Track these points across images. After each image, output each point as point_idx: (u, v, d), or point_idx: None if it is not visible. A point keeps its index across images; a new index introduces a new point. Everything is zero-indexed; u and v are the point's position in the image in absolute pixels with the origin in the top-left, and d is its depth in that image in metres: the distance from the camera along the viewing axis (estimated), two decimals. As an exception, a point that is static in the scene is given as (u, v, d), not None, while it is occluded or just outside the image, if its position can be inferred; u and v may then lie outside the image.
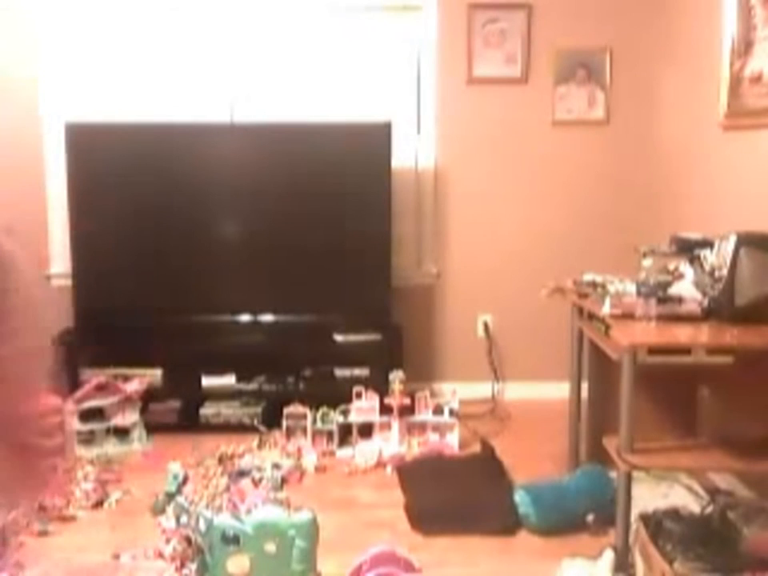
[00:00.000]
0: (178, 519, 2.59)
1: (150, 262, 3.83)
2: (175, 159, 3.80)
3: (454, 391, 3.67)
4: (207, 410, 3.74)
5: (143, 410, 3.54)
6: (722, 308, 2.38)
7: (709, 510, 2.42)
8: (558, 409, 3.34)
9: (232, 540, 2.24)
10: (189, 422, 3.69)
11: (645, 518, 2.37)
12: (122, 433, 3.45)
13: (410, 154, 4.16)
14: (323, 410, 3.53)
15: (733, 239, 2.36)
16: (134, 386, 3.47)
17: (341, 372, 3.84)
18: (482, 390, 4.16)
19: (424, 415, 3.57)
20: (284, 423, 3.51)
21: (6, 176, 4.01)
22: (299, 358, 3.83)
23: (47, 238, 4.08)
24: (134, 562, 2.50)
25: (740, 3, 3.08)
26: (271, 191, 3.82)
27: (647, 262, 2.56)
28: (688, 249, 2.64)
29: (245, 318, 3.86)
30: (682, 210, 3.69)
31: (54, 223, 4.07)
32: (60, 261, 4.04)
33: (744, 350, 2.40)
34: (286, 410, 3.52)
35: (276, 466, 3.20)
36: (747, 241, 2.35)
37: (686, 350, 2.45)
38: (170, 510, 2.68)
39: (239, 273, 3.89)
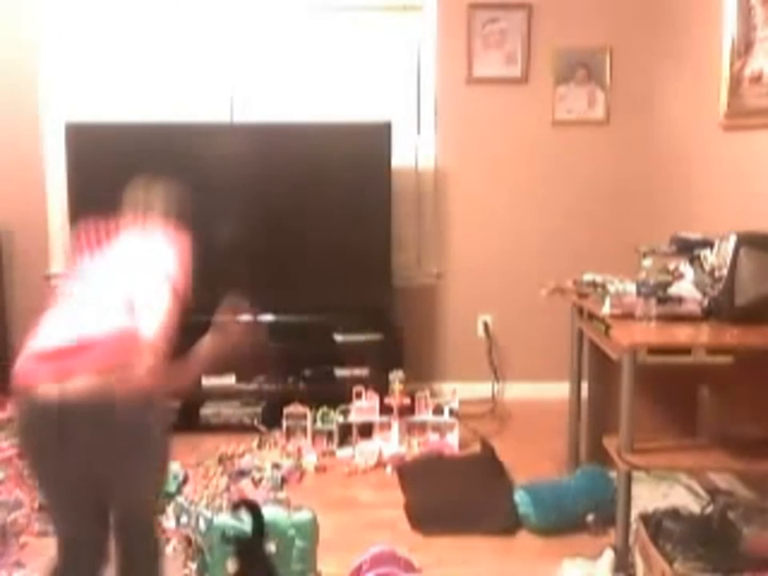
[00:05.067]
0: (178, 519, 2.59)
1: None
2: (175, 159, 3.79)
3: (454, 391, 3.68)
4: (207, 410, 3.74)
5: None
6: (721, 308, 2.38)
7: (709, 510, 2.42)
8: (558, 409, 3.34)
9: (232, 540, 2.23)
10: (189, 422, 3.68)
11: (645, 518, 2.37)
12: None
13: (410, 153, 4.16)
14: (323, 409, 3.53)
15: (733, 239, 2.36)
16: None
17: (341, 372, 3.83)
18: (482, 390, 4.16)
19: (424, 415, 3.57)
20: (284, 423, 3.51)
21: (6, 176, 4.02)
22: (299, 358, 3.83)
23: (47, 237, 4.08)
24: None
25: (740, 3, 3.08)
26: (271, 191, 3.82)
27: (647, 262, 2.55)
28: (688, 249, 2.64)
29: (244, 317, 3.85)
30: (682, 210, 3.69)
31: (54, 223, 4.08)
32: (60, 261, 4.04)
33: (744, 350, 2.40)
34: (286, 410, 3.52)
35: (276, 466, 3.21)
36: (747, 241, 2.35)
37: (686, 350, 2.46)
38: (170, 510, 2.68)
39: (239, 273, 3.89)
